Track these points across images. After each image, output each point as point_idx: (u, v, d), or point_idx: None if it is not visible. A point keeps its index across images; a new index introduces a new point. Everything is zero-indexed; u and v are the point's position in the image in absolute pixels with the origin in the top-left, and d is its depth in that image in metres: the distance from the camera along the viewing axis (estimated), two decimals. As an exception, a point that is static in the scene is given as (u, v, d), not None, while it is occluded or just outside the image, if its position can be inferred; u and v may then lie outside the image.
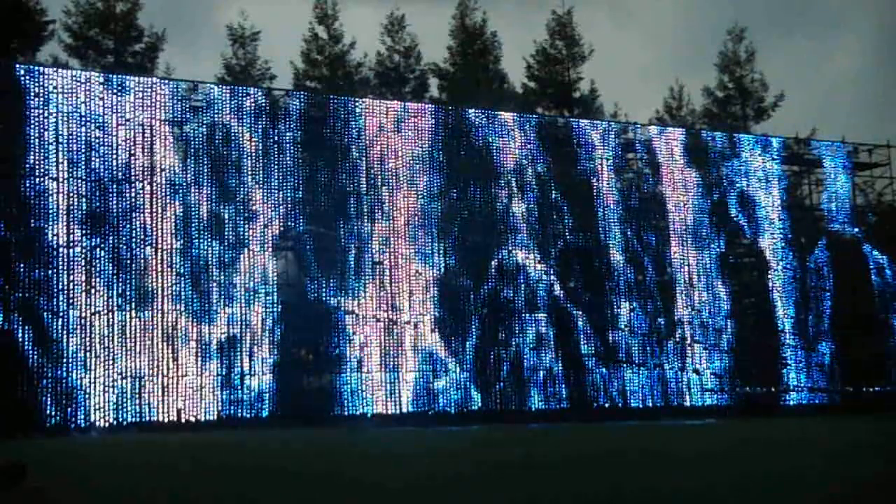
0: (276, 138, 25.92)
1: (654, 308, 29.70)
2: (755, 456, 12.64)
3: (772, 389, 31.09)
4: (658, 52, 77.72)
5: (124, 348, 23.35)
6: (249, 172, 25.48)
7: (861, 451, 13.52)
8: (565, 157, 29.92)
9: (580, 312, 28.65)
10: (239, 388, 24.30)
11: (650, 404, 28.87)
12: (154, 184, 24.39)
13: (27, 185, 23.29)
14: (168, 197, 24.52)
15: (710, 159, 31.61)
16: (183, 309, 24.11)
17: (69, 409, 22.61)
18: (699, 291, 30.37)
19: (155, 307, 23.82)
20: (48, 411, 22.49)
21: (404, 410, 25.85)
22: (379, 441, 18.10)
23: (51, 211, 23.29)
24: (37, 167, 23.37)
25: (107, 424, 22.82)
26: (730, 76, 40.47)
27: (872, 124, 72.64)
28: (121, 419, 23.03)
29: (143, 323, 23.66)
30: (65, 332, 22.88)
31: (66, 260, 23.20)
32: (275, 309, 25.04)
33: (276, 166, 25.78)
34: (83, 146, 23.87)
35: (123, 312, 23.49)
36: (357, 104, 27.39)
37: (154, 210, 24.30)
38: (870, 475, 9.80)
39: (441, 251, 27.24)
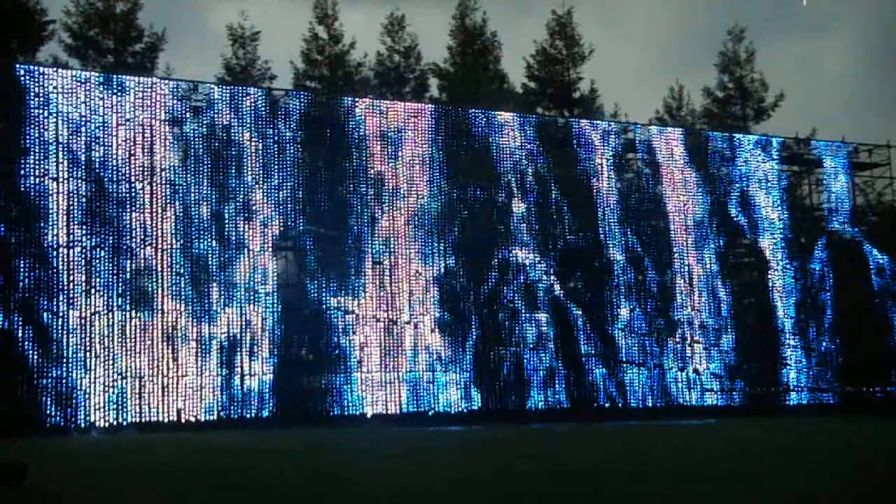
0: (276, 138, 25.92)
1: (655, 308, 29.70)
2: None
3: (772, 389, 31.09)
4: (658, 52, 77.72)
5: (124, 348, 23.34)
6: (249, 172, 25.48)
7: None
8: (565, 157, 29.91)
9: (580, 312, 28.64)
10: (239, 388, 24.30)
11: (650, 404, 28.87)
12: (154, 184, 24.39)
13: (27, 185, 23.29)
14: (168, 197, 24.52)
15: (710, 159, 31.60)
16: (183, 309, 24.10)
17: (69, 409, 22.61)
18: (699, 291, 30.36)
19: (155, 307, 23.82)
20: (48, 411, 22.49)
21: (404, 410, 25.84)
22: (379, 441, 18.10)
23: (51, 211, 23.28)
24: (37, 167, 23.37)
25: (107, 424, 22.81)
26: (730, 76, 40.46)
27: (872, 124, 72.65)
28: (121, 419, 23.03)
29: (143, 323, 23.65)
30: (65, 332, 22.88)
31: (66, 260, 23.20)
32: (275, 309, 25.04)
33: (276, 166, 25.77)
34: (83, 146, 23.87)
35: (123, 312, 23.49)
36: (357, 104, 27.38)
37: (154, 210, 24.30)
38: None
39: (441, 251, 27.24)
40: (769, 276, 31.84)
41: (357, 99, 28.11)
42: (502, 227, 28.29)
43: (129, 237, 23.95)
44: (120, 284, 23.65)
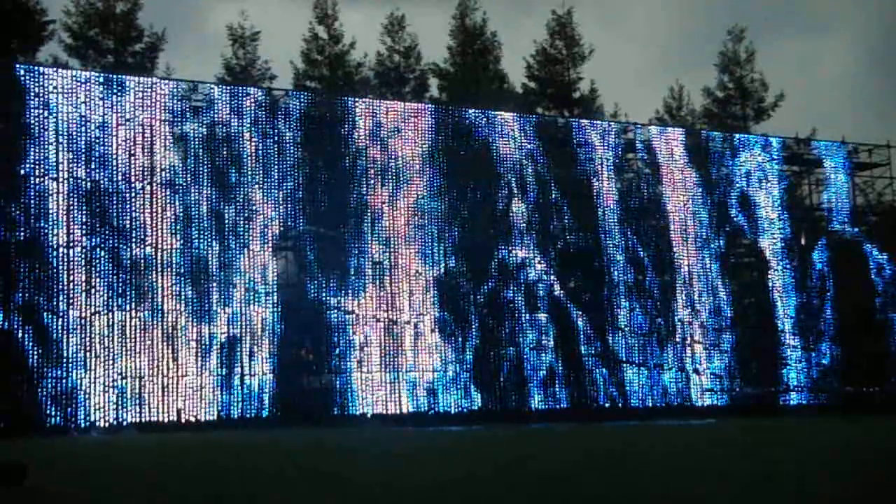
0: (276, 138, 25.92)
1: (654, 308, 29.69)
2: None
3: (772, 389, 31.08)
4: (658, 52, 77.72)
5: (124, 348, 23.34)
6: (249, 172, 25.47)
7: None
8: (565, 157, 29.90)
9: (580, 312, 28.64)
10: (239, 388, 24.29)
11: (650, 404, 28.86)
12: (154, 184, 24.39)
13: (27, 185, 23.28)
14: (168, 197, 24.52)
15: (710, 159, 31.60)
16: (183, 309, 24.10)
17: (69, 409, 22.60)
18: (699, 291, 30.36)
19: (155, 307, 23.82)
20: (48, 411, 22.48)
21: (404, 410, 25.84)
22: (378, 441, 18.10)
23: (51, 211, 23.28)
24: (37, 167, 23.37)
25: (107, 424, 22.81)
26: (730, 76, 40.47)
27: (872, 124, 72.65)
28: (121, 419, 23.02)
29: (143, 323, 23.65)
30: (65, 332, 22.87)
31: (66, 260, 23.19)
32: (275, 309, 25.03)
33: (276, 166, 25.77)
34: (83, 146, 23.87)
35: (123, 312, 23.48)
36: (357, 104, 27.38)
37: (154, 210, 24.29)
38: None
39: (441, 251, 27.23)
40: (769, 276, 31.84)
41: (357, 99, 28.11)
42: (502, 227, 28.29)
43: (129, 237, 23.94)
44: (120, 284, 23.64)
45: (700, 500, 8.00)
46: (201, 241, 24.69)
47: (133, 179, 24.20)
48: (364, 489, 9.13)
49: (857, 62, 79.67)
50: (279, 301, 25.19)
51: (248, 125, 25.68)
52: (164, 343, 23.77)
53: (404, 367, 26.09)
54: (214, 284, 24.59)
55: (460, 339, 26.97)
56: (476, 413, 26.59)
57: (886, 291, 33.29)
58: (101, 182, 23.89)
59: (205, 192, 24.94)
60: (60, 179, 23.47)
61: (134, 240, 23.98)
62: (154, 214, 24.28)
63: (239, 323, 24.59)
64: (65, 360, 22.76)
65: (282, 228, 25.76)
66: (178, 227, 24.48)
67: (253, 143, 25.63)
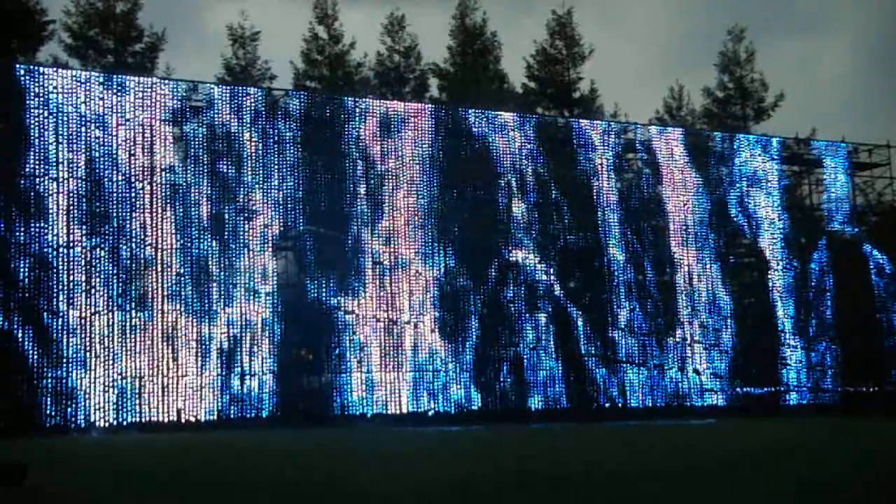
0: (276, 138, 25.92)
1: (655, 308, 29.69)
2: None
3: (772, 389, 31.08)
4: (658, 52, 77.73)
5: (124, 348, 23.33)
6: (249, 172, 25.47)
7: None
8: (565, 157, 29.91)
9: (580, 312, 28.64)
10: (239, 388, 24.29)
11: (650, 404, 28.86)
12: (154, 184, 24.39)
13: (27, 185, 23.28)
14: (168, 197, 24.51)
15: (710, 159, 31.61)
16: (183, 309, 24.10)
17: (69, 409, 22.60)
18: (699, 291, 30.36)
19: (155, 307, 23.81)
20: (48, 411, 22.48)
21: (404, 410, 25.84)
22: (378, 441, 18.09)
23: (51, 211, 23.28)
24: (37, 167, 23.37)
25: (107, 424, 22.80)
26: (730, 76, 40.46)
27: (872, 124, 72.66)
28: (121, 419, 23.02)
29: (143, 323, 23.64)
30: (65, 332, 22.87)
31: (66, 260, 23.19)
32: (275, 309, 25.03)
33: (276, 166, 25.77)
34: (83, 146, 23.87)
35: (123, 312, 23.48)
36: (357, 104, 27.38)
37: (154, 210, 24.29)
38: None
39: (441, 251, 27.24)
40: (769, 276, 31.84)
41: (357, 99, 28.11)
42: (502, 227, 28.29)
43: (129, 237, 23.94)
44: (120, 284, 23.64)
45: (700, 501, 8.01)
46: (201, 241, 24.69)
47: (133, 179, 24.20)
48: (364, 489, 9.14)
49: (857, 62, 79.68)
50: (279, 301, 25.19)
51: (248, 125, 25.68)
52: (164, 343, 23.76)
53: (404, 367, 26.09)
54: (214, 285, 24.59)
55: (460, 339, 26.97)
56: (476, 413, 26.59)
57: (886, 291, 33.30)
58: (101, 182, 23.89)
59: (205, 192, 24.94)
60: (60, 179, 23.47)
61: (134, 240, 23.98)
62: (154, 214, 24.28)
63: (239, 323, 24.59)
64: (65, 360, 22.75)
65: (282, 228, 25.76)
66: (178, 227, 24.47)
67: (253, 143, 25.63)
